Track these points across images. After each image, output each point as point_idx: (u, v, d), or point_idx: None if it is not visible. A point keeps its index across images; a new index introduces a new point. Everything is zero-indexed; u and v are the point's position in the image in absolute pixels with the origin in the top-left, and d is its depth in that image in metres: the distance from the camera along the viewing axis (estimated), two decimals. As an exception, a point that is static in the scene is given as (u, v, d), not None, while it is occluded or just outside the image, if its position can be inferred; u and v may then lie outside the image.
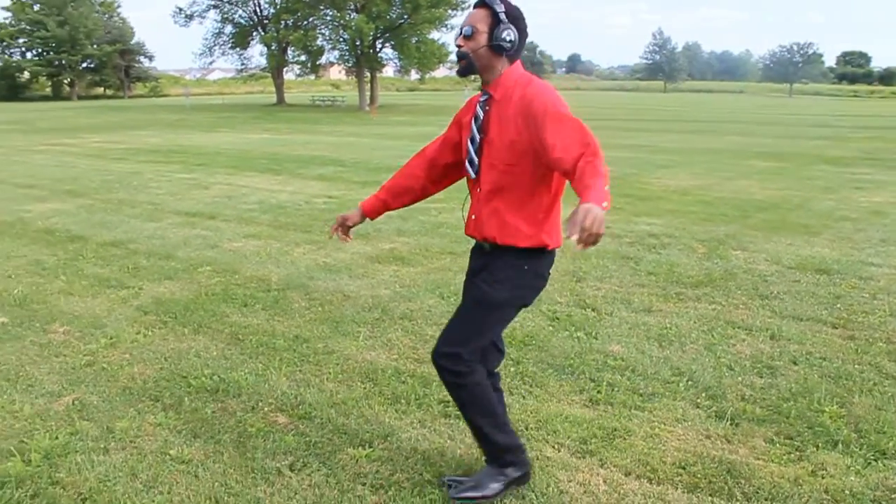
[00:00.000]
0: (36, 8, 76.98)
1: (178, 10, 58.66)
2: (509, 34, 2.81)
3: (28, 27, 77.16)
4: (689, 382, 4.36)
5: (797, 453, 3.57)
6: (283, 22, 53.51)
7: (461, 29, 2.87)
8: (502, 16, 2.80)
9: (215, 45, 60.03)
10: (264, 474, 3.35)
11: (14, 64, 79.74)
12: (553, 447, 3.59)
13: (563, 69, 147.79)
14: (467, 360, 2.97)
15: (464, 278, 3.25)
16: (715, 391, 4.25)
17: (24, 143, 23.83)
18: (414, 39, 49.42)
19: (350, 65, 53.46)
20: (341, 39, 50.37)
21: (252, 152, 19.67)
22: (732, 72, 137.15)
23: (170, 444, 3.66)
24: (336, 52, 53.44)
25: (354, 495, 3.18)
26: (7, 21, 77.99)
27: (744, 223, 9.13)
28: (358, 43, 48.37)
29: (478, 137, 2.94)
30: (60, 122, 36.17)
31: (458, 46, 2.87)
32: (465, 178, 3.13)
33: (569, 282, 6.43)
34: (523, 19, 2.88)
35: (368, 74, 52.25)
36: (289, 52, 56.23)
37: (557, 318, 5.49)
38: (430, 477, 3.31)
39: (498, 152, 2.89)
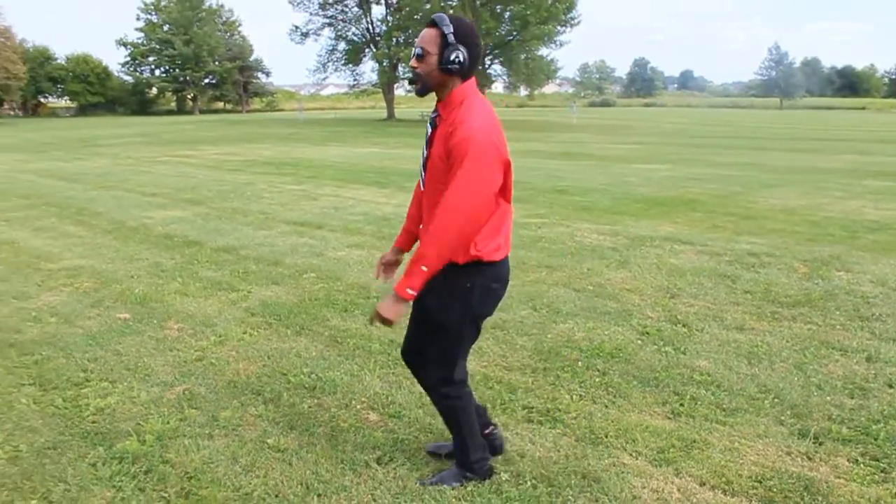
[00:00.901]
0: (165, 28, 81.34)
1: (294, 28, 60.90)
2: (458, 55, 2.88)
3: (157, 46, 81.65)
4: (776, 400, 4.37)
5: (882, 474, 3.55)
6: (394, 39, 54.66)
7: (413, 50, 2.97)
8: (450, 37, 2.88)
9: (329, 61, 61.85)
10: (353, 466, 3.58)
11: (144, 81, 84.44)
12: (630, 455, 3.69)
13: (675, 86, 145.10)
14: (457, 380, 3.25)
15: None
16: (801, 409, 4.24)
17: (149, 154, 25.19)
18: (523, 56, 49.63)
19: (459, 81, 54.08)
20: (451, 56, 51.02)
21: (360, 166, 20.22)
22: (855, 88, 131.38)
23: (268, 433, 3.95)
24: (446, 69, 54.17)
25: (435, 489, 3.37)
26: (140, 41, 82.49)
27: (851, 244, 8.90)
28: (467, 59, 48.90)
29: (424, 153, 3.07)
30: (182, 135, 37.97)
31: (413, 68, 2.97)
32: None
33: (662, 298, 6.46)
34: (473, 35, 2.95)
35: (477, 90, 52.77)
36: (399, 68, 57.33)
37: (647, 333, 5.55)
38: (508, 476, 3.47)
39: (433, 169, 3.00)
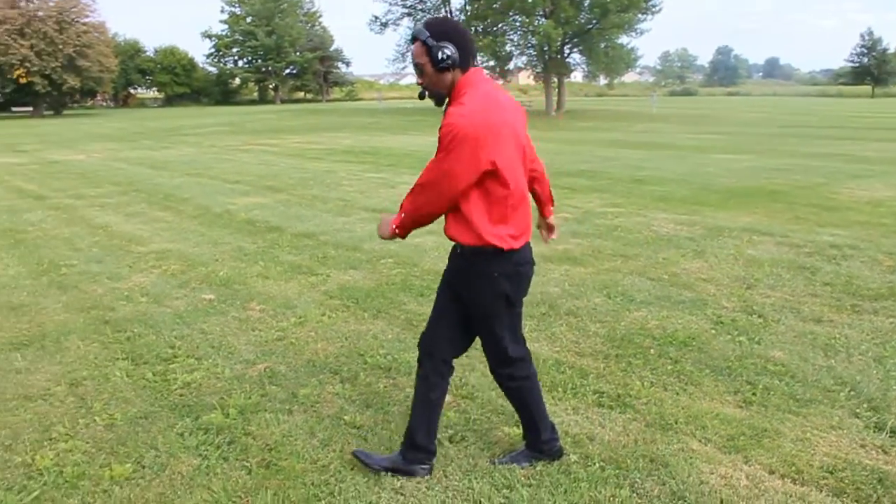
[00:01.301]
0: (248, 20, 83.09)
1: (374, 19, 61.33)
2: (444, 51, 2.99)
3: (241, 38, 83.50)
4: (851, 392, 4.31)
5: (960, 470, 3.50)
6: (472, 28, 54.61)
7: (414, 70, 3.11)
8: (430, 41, 2.99)
9: (408, 51, 62.16)
10: (426, 443, 3.70)
11: (227, 71, 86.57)
12: (700, 441, 3.72)
13: (760, 74, 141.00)
14: (514, 358, 3.42)
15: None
16: (878, 403, 4.18)
17: (233, 143, 25.87)
18: (602, 44, 48.95)
19: (538, 70, 53.79)
20: (529, 45, 50.80)
21: (438, 154, 20.34)
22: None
23: (344, 411, 4.10)
24: (524, 58, 53.98)
25: (506, 468, 3.46)
26: (224, 33, 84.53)
27: (940, 238, 8.63)
28: (546, 48, 48.58)
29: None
30: (265, 124, 38.81)
31: (420, 84, 3.11)
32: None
33: (738, 288, 6.41)
34: (454, 29, 3.06)
35: (556, 79, 52.34)
36: (478, 57, 57.27)
37: (721, 322, 5.53)
38: (577, 458, 3.54)
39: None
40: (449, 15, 58.84)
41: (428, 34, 3.01)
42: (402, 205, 3.21)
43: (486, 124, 2.97)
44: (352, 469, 3.48)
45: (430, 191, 3.07)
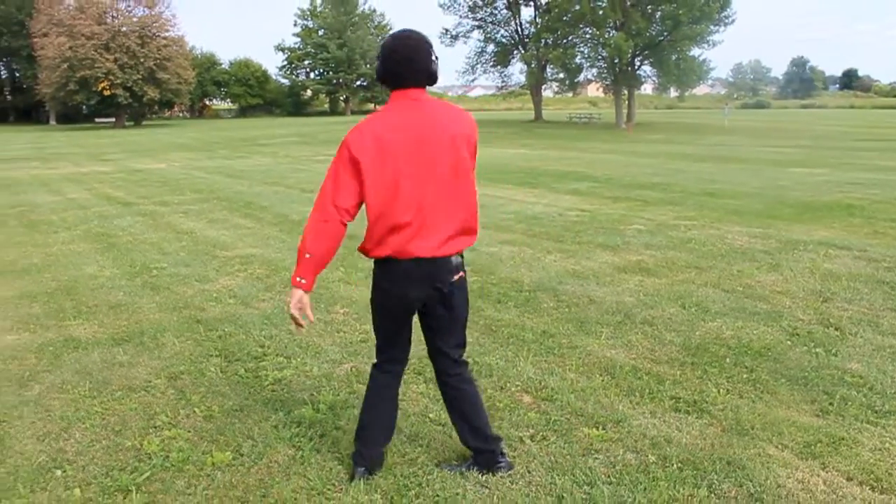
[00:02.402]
0: (320, 33, 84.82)
1: (444, 31, 62.11)
2: (377, 68, 3.22)
3: (313, 50, 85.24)
4: (931, 405, 4.33)
5: None
6: (543, 40, 54.76)
7: None
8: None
9: (477, 63, 62.71)
10: (508, 441, 3.85)
11: (299, 83, 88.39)
12: (776, 447, 3.79)
13: (836, 86, 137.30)
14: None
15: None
16: (958, 415, 4.20)
17: (306, 153, 26.47)
18: (673, 56, 48.56)
19: (608, 82, 53.63)
20: (600, 57, 50.73)
21: (509, 166, 20.56)
22: None
23: (429, 409, 4.29)
24: (594, 70, 53.96)
25: (585, 465, 3.60)
26: (296, 46, 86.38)
27: None
28: (616, 60, 48.43)
29: None
30: (336, 135, 39.37)
31: None
32: None
33: (814, 301, 6.41)
34: (386, 48, 3.17)
35: (626, 92, 52.10)
36: (548, 69, 57.40)
37: (797, 334, 5.56)
38: (655, 459, 3.66)
39: None
40: (519, 28, 59.12)
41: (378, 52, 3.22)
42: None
43: (374, 138, 3.14)
44: (437, 464, 3.66)
45: (315, 203, 3.37)
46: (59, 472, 3.64)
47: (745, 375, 4.75)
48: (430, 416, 4.20)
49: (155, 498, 3.41)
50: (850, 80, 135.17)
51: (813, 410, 4.25)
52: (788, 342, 5.39)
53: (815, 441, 3.85)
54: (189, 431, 4.08)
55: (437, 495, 3.37)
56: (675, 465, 3.60)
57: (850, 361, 5.00)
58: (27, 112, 74.35)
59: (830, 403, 4.32)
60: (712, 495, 3.34)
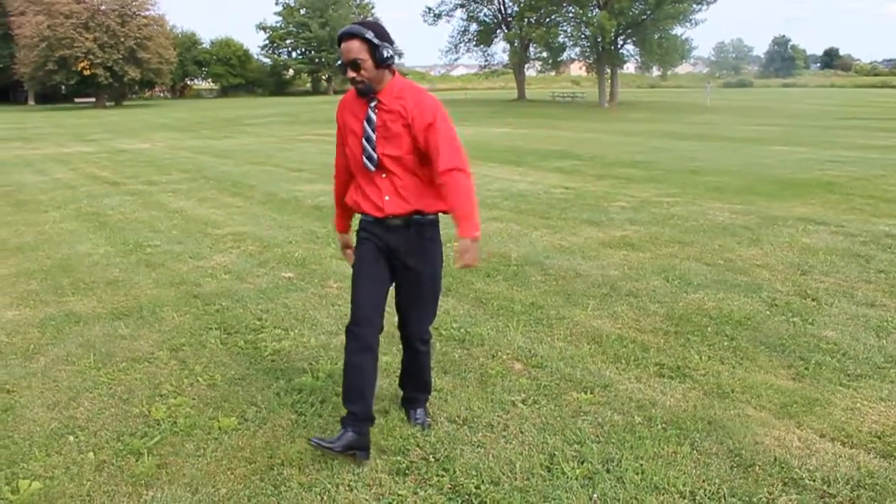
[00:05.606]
0: (302, 12, 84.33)
1: (427, 10, 61.99)
2: (387, 51, 3.31)
3: (294, 29, 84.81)
4: (902, 369, 4.56)
5: None
6: (526, 19, 54.74)
7: (345, 66, 3.35)
8: (376, 41, 3.28)
9: (460, 42, 62.67)
10: (501, 404, 4.06)
11: (281, 63, 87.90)
12: (755, 408, 4.01)
13: (818, 65, 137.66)
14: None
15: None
16: (927, 378, 4.42)
17: (291, 133, 26.48)
18: (656, 35, 48.73)
19: (591, 61, 53.70)
20: (583, 36, 50.73)
21: (494, 145, 20.70)
22: None
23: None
24: (577, 49, 53.97)
25: (575, 426, 3.80)
26: (278, 25, 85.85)
27: None
28: (599, 39, 48.48)
29: (373, 136, 3.44)
30: (320, 114, 39.40)
31: (353, 79, 3.35)
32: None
33: (792, 274, 6.64)
34: (387, 31, 3.38)
35: (609, 71, 52.19)
36: (531, 48, 57.45)
37: (776, 305, 5.78)
38: (641, 420, 3.86)
39: (393, 146, 3.44)
40: (502, 6, 59.03)
41: (373, 34, 3.29)
42: (469, 207, 3.61)
43: None
44: (436, 422, 3.85)
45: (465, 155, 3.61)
46: (71, 438, 3.80)
47: (725, 343, 4.96)
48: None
49: (166, 460, 3.58)
50: (830, 59, 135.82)
51: (789, 374, 4.47)
52: (767, 312, 5.61)
53: (791, 402, 4.07)
54: (194, 399, 4.24)
55: (437, 452, 3.57)
56: (659, 426, 3.80)
57: (825, 329, 5.23)
58: (5, 92, 73.57)
59: (806, 368, 4.54)
60: (695, 452, 3.55)
